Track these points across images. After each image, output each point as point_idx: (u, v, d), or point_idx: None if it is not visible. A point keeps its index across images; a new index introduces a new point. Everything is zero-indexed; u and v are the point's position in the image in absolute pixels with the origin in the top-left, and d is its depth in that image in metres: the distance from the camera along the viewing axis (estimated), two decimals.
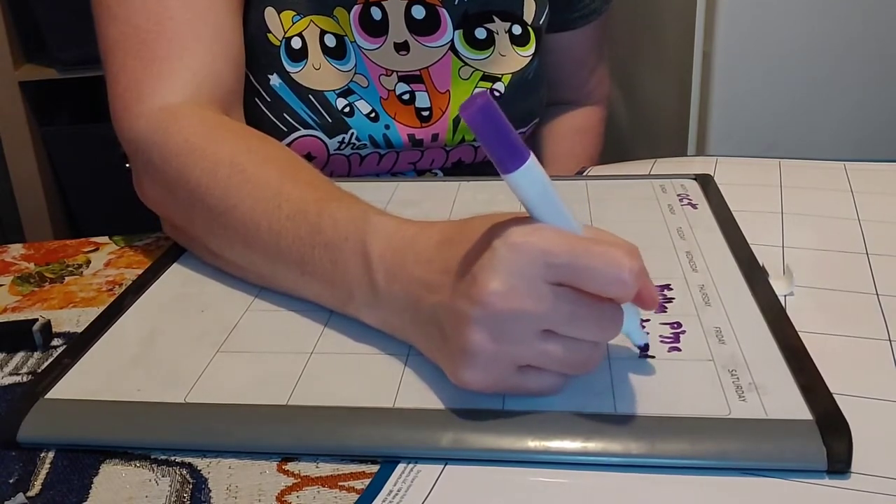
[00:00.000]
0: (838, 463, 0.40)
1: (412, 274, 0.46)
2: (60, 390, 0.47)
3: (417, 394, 0.45)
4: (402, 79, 0.78)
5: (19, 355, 0.54)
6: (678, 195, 0.69)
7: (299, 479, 0.41)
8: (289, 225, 0.52)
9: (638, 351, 0.47)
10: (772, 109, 1.11)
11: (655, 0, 1.23)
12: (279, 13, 0.73)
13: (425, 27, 0.77)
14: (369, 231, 0.48)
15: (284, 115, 0.75)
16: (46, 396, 0.47)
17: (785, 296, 0.54)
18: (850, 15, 1.07)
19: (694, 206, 0.67)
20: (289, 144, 0.76)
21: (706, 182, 0.71)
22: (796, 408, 0.42)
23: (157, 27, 0.63)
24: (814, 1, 1.06)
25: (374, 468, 0.42)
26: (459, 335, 0.42)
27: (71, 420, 0.45)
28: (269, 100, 0.75)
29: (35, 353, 0.54)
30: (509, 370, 0.42)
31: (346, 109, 0.76)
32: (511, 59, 0.81)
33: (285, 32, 0.73)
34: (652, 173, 0.76)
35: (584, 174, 0.79)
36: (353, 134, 0.77)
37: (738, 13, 1.06)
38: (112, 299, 0.57)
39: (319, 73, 0.75)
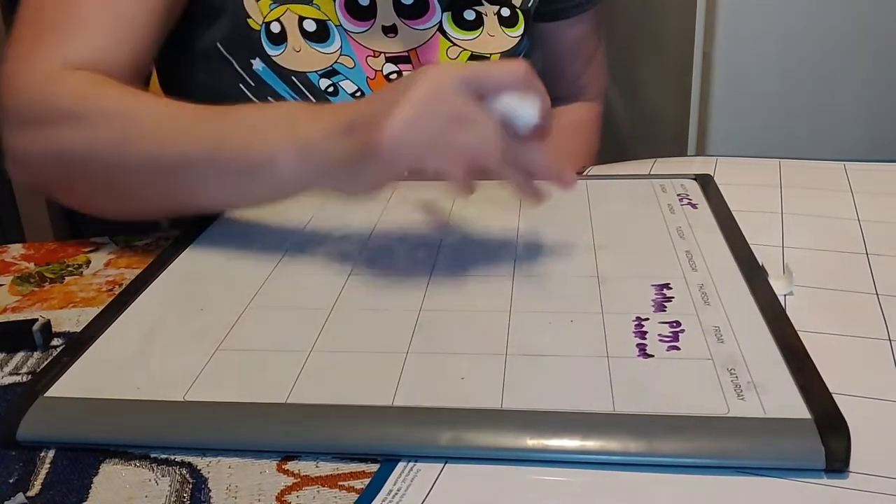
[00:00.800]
0: (837, 462, 0.40)
1: (336, 109, 0.54)
2: (60, 388, 0.47)
3: (417, 392, 0.45)
4: (389, 59, 0.78)
5: (19, 355, 0.54)
6: (678, 195, 0.69)
7: (299, 479, 0.41)
8: (199, 120, 0.59)
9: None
10: (772, 110, 1.11)
11: (655, 0, 1.23)
12: (257, 0, 0.73)
13: (414, 11, 0.78)
14: (287, 104, 0.57)
15: (269, 98, 0.76)
16: (46, 394, 0.47)
17: (784, 295, 0.54)
18: (850, 16, 1.07)
19: (694, 206, 0.67)
20: None
21: (706, 182, 0.71)
22: (795, 407, 0.42)
23: (65, 9, 0.66)
24: (814, 2, 1.06)
25: (374, 467, 0.42)
26: (391, 104, 0.50)
27: (70, 418, 0.45)
28: (252, 85, 0.75)
29: (35, 353, 0.54)
30: (440, 127, 0.50)
31: (330, 89, 0.76)
32: (500, 40, 0.81)
33: (264, 18, 0.74)
34: (652, 173, 0.76)
35: (584, 174, 0.79)
36: None
37: (738, 13, 1.06)
38: (112, 299, 0.57)
39: (300, 56, 0.75)
